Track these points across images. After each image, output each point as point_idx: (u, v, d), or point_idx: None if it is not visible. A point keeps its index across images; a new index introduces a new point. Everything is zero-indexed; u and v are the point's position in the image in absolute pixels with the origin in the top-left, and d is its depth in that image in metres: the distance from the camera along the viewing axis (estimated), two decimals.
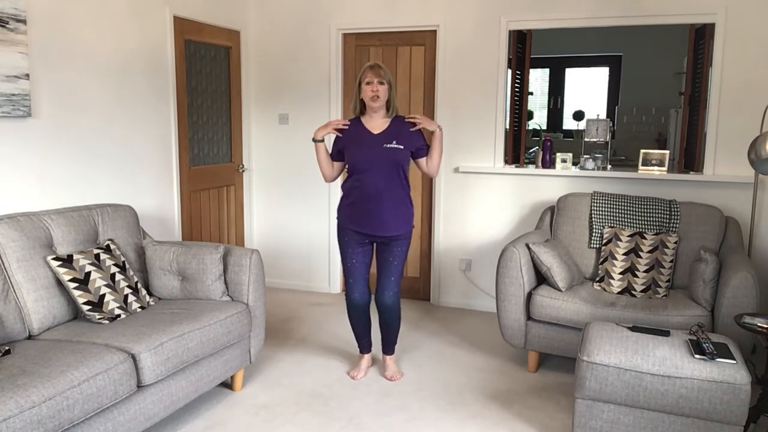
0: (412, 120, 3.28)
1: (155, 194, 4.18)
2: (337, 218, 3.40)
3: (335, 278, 5.14)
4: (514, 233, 4.61)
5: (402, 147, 3.24)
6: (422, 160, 3.34)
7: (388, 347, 3.54)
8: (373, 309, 3.54)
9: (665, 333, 2.80)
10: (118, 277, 3.02)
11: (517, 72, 4.69)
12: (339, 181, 4.12)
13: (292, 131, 5.09)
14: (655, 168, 4.27)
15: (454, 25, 4.57)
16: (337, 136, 3.34)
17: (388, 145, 3.22)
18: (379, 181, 3.23)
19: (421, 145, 3.31)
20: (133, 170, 3.98)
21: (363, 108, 3.31)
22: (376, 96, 3.20)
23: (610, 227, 3.83)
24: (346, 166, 3.35)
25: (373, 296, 3.42)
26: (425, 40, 4.70)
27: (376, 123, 3.29)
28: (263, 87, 5.13)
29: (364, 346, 3.58)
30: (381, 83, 3.20)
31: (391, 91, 3.25)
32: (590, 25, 4.28)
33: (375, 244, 3.38)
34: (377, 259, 3.38)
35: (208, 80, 4.69)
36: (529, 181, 4.53)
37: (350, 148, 3.28)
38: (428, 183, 4.83)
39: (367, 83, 3.21)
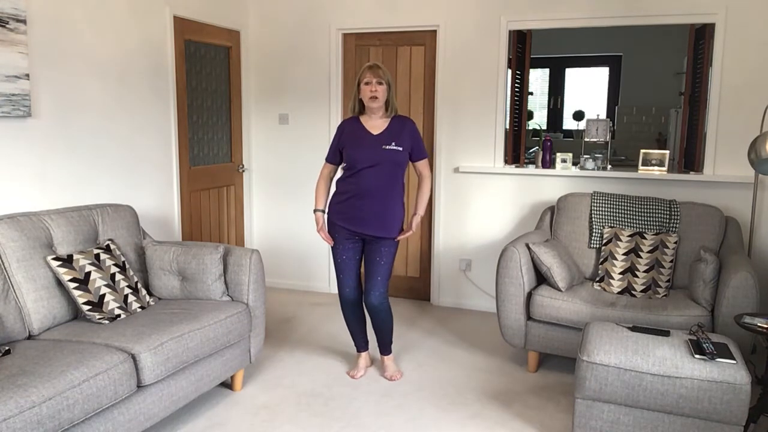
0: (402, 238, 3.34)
1: (155, 194, 4.18)
2: (327, 213, 3.40)
3: (335, 278, 5.14)
4: (514, 233, 4.61)
5: (401, 148, 3.24)
6: (417, 164, 3.36)
7: (384, 347, 3.53)
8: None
9: (665, 333, 2.80)
10: (118, 277, 3.01)
11: (517, 72, 4.69)
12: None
13: (292, 131, 5.09)
14: (655, 168, 4.26)
15: (454, 25, 4.57)
16: (338, 137, 3.35)
17: (388, 147, 3.23)
18: (376, 182, 3.23)
19: (418, 148, 3.32)
20: (133, 170, 3.98)
21: (362, 108, 3.32)
22: (375, 97, 3.20)
23: (610, 227, 3.83)
24: (343, 164, 3.36)
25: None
26: (425, 40, 4.70)
27: (375, 123, 3.29)
28: (263, 87, 5.13)
29: (360, 344, 3.57)
30: (380, 83, 3.20)
31: (389, 91, 3.25)
32: (590, 25, 4.28)
33: (364, 242, 3.39)
34: (365, 259, 3.37)
35: (208, 80, 4.69)
36: (529, 181, 4.53)
37: (348, 148, 3.28)
38: None
39: (366, 83, 3.21)
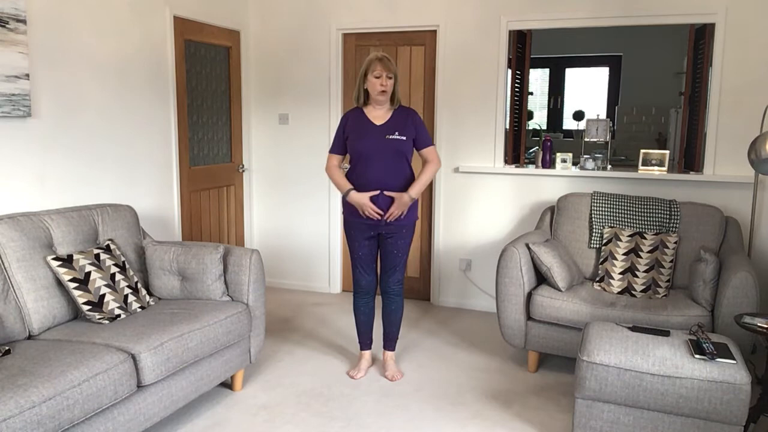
0: (389, 217, 3.25)
1: (155, 194, 4.18)
2: (342, 212, 3.42)
3: (335, 278, 5.14)
4: (514, 233, 4.61)
5: (404, 138, 3.25)
6: (422, 152, 3.34)
7: (390, 342, 3.54)
8: (378, 305, 3.55)
9: (665, 333, 2.80)
10: (118, 277, 3.01)
11: (517, 72, 4.69)
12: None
13: (292, 131, 5.09)
14: (655, 168, 4.26)
15: (454, 25, 4.57)
16: (342, 128, 3.35)
17: (391, 137, 3.24)
18: (382, 172, 3.24)
19: (422, 136, 3.31)
20: (133, 170, 3.98)
21: (366, 98, 3.32)
22: (384, 90, 3.21)
23: (610, 227, 3.83)
24: (348, 157, 3.36)
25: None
26: (425, 40, 4.70)
27: (379, 113, 3.30)
28: (263, 87, 5.13)
29: (365, 341, 3.57)
30: (389, 77, 3.21)
31: (396, 84, 3.28)
32: (590, 25, 4.28)
33: (379, 235, 3.39)
34: (381, 250, 3.41)
35: (208, 80, 4.69)
36: (529, 181, 4.53)
37: (352, 139, 3.29)
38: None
39: (376, 77, 3.21)
